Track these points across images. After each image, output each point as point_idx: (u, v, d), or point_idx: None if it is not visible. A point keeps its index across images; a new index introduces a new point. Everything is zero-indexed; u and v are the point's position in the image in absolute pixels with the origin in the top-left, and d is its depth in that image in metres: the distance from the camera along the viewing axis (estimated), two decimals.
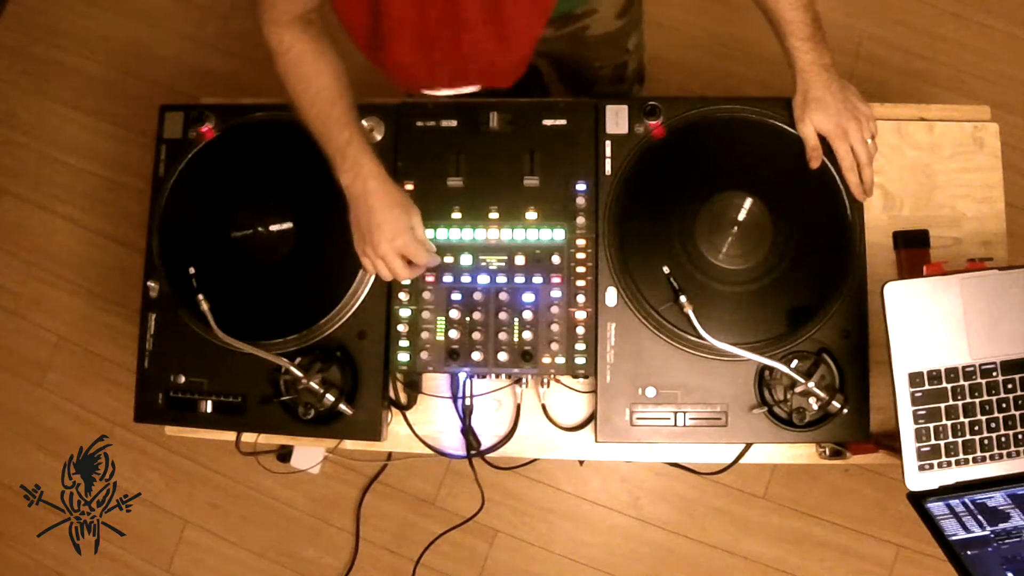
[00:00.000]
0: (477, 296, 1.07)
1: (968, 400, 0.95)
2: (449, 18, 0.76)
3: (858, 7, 2.03)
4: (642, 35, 1.41)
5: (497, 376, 1.10)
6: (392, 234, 0.99)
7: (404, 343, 1.07)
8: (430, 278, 1.08)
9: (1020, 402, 0.95)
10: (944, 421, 0.94)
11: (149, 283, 1.12)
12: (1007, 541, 0.91)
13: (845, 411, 1.01)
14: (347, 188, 1.00)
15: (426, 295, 1.07)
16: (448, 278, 1.08)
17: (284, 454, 1.78)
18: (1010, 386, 0.95)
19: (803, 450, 1.12)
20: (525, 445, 1.14)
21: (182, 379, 1.10)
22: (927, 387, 0.95)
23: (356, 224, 1.01)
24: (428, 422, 1.14)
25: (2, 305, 2.07)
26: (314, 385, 1.04)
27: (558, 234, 1.08)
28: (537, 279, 1.07)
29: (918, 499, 0.94)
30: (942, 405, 0.95)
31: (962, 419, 0.94)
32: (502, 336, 1.06)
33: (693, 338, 1.03)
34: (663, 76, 1.89)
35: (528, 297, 1.07)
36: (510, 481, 1.86)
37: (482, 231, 1.09)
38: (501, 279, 1.08)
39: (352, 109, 1.01)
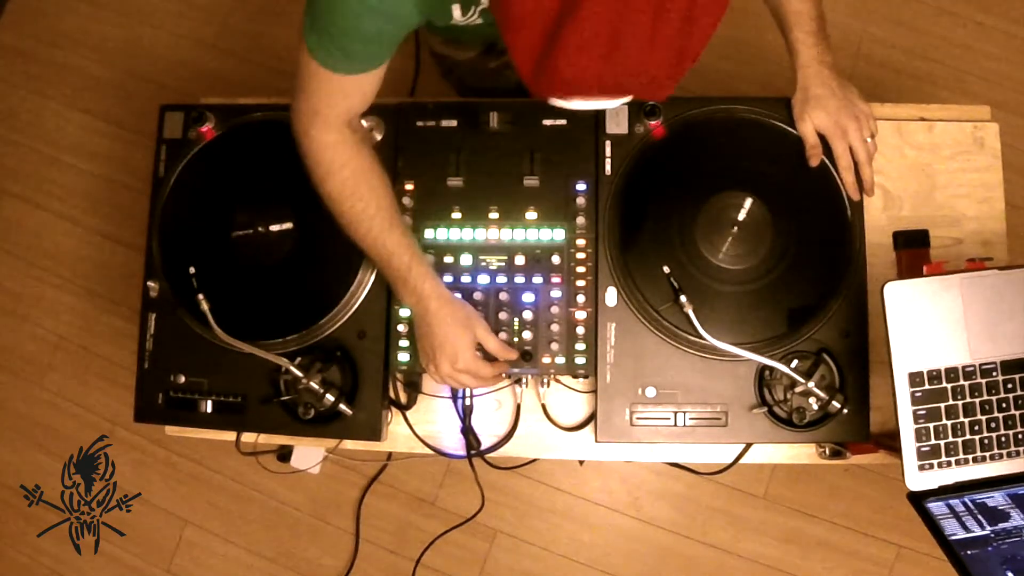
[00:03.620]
0: (477, 296, 1.07)
1: (968, 400, 0.95)
2: (648, 22, 0.62)
3: (858, 7, 2.03)
4: None
5: None
6: (453, 356, 0.98)
7: (404, 343, 1.07)
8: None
9: (1020, 402, 0.95)
10: (944, 421, 0.94)
11: (149, 283, 1.12)
12: (1007, 541, 0.91)
13: (845, 411, 1.01)
14: (411, 309, 1.01)
15: None
16: (448, 278, 1.08)
17: (284, 454, 1.78)
18: (1010, 386, 0.95)
19: (803, 450, 1.12)
20: (525, 445, 1.14)
21: (182, 379, 1.10)
22: (927, 387, 0.95)
23: (420, 341, 1.02)
24: (428, 422, 1.14)
25: (2, 305, 2.07)
26: (314, 385, 1.04)
27: (558, 234, 1.08)
28: (537, 279, 1.07)
29: (918, 499, 0.94)
30: (942, 405, 0.95)
31: (962, 419, 0.95)
32: (502, 336, 1.06)
33: (693, 338, 1.03)
34: None
35: (528, 297, 1.07)
36: (510, 481, 1.86)
37: (482, 231, 1.09)
38: (501, 279, 1.08)
39: (407, 229, 1.01)
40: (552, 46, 0.63)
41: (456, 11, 0.89)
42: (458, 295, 1.07)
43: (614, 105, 0.78)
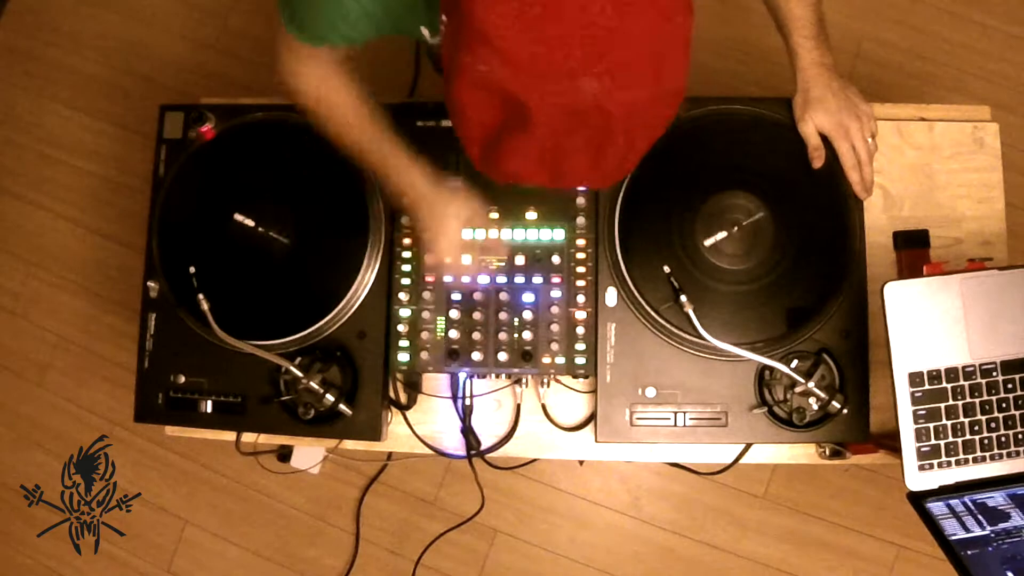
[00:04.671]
0: (477, 296, 1.07)
1: (968, 400, 0.95)
2: (590, 150, 0.65)
3: (858, 7, 2.03)
4: None
5: (497, 376, 1.10)
6: (446, 246, 1.00)
7: (404, 343, 1.07)
8: (430, 278, 1.08)
9: (1020, 402, 0.95)
10: (944, 421, 0.94)
11: (149, 283, 1.12)
12: (1007, 541, 0.91)
13: (845, 411, 1.01)
14: (404, 205, 1.03)
15: (426, 295, 1.07)
16: (448, 278, 1.08)
17: (284, 454, 1.78)
18: (1010, 386, 0.95)
19: (803, 450, 1.12)
20: (525, 445, 1.14)
21: (182, 379, 1.10)
22: (927, 387, 0.95)
23: (417, 233, 1.06)
24: (428, 422, 1.14)
25: (2, 305, 2.07)
26: (314, 385, 1.04)
27: (558, 234, 1.08)
28: (537, 279, 1.07)
29: (918, 499, 0.94)
30: (942, 405, 0.95)
31: (962, 419, 0.95)
32: (502, 336, 1.06)
33: (693, 338, 1.03)
34: None
35: (528, 297, 1.07)
36: (510, 481, 1.86)
37: (482, 231, 1.09)
38: (501, 279, 1.08)
39: (387, 128, 1.01)
40: (496, 148, 0.66)
41: (425, 32, 0.92)
42: (458, 295, 1.07)
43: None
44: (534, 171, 0.67)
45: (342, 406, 1.06)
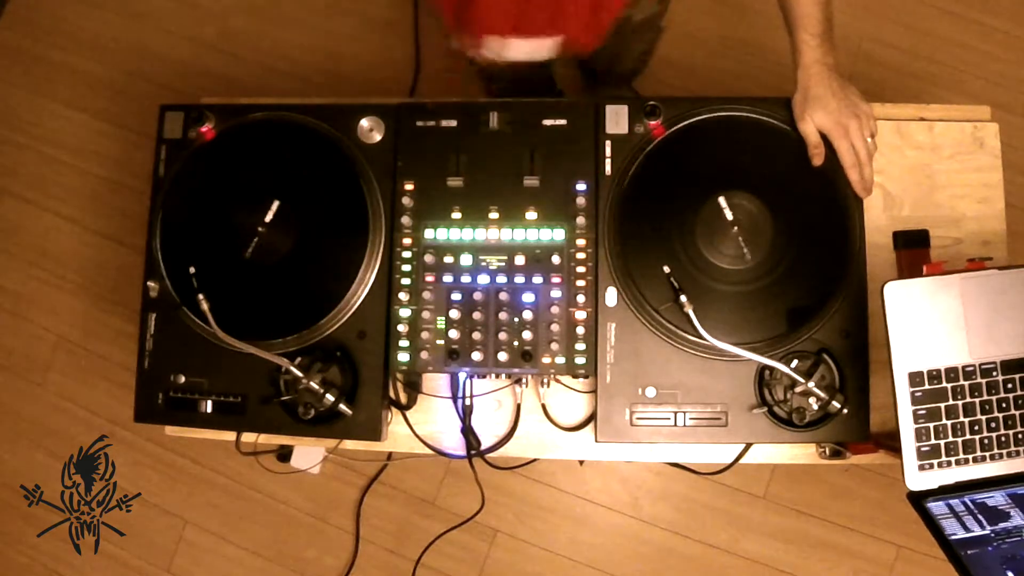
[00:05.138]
0: (477, 296, 1.07)
1: (968, 400, 0.95)
2: None
3: (858, 7, 2.03)
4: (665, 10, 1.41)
5: (497, 376, 1.10)
6: None
7: (404, 343, 1.07)
8: (430, 278, 1.08)
9: (1020, 402, 0.95)
10: (944, 421, 0.94)
11: (149, 283, 1.12)
12: (1007, 540, 0.91)
13: (845, 411, 1.01)
14: None
15: (426, 295, 1.07)
16: (448, 278, 1.08)
17: (284, 454, 1.78)
18: (1010, 386, 0.95)
19: (803, 450, 1.12)
20: (525, 445, 1.14)
21: (182, 379, 1.10)
22: (927, 387, 0.95)
23: None
24: (428, 422, 1.14)
25: (2, 305, 2.07)
26: (314, 385, 1.04)
27: (558, 234, 1.08)
28: (537, 279, 1.07)
29: (918, 499, 0.94)
30: (942, 405, 0.95)
31: (962, 419, 0.95)
32: (502, 336, 1.06)
33: (693, 338, 1.03)
34: (663, 76, 1.89)
35: (528, 297, 1.07)
36: (510, 481, 1.86)
37: (482, 231, 1.09)
38: (501, 279, 1.08)
39: None
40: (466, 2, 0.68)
41: None
42: (458, 295, 1.07)
43: (543, 55, 0.83)
44: (502, 18, 0.69)
45: (342, 406, 1.06)
